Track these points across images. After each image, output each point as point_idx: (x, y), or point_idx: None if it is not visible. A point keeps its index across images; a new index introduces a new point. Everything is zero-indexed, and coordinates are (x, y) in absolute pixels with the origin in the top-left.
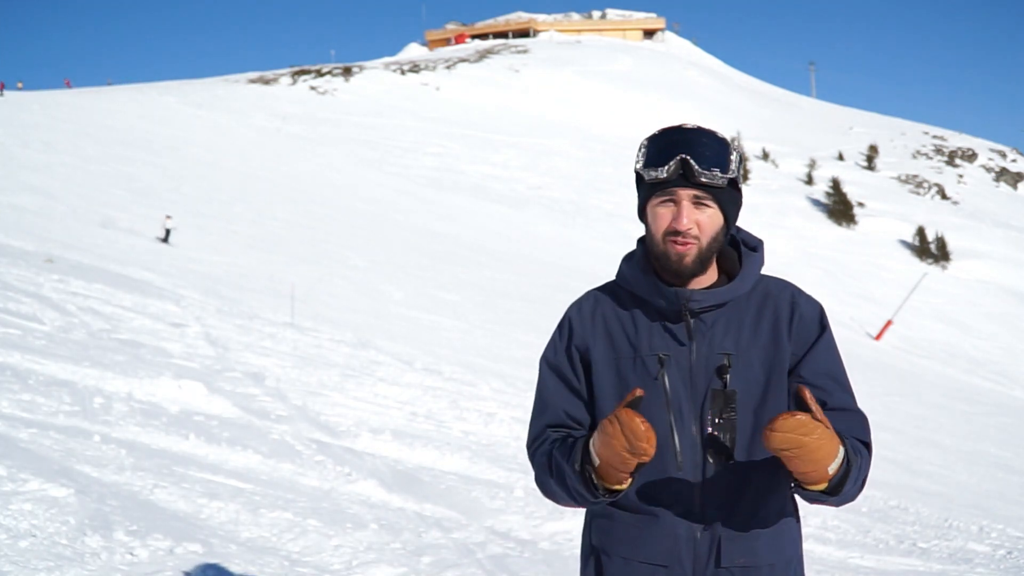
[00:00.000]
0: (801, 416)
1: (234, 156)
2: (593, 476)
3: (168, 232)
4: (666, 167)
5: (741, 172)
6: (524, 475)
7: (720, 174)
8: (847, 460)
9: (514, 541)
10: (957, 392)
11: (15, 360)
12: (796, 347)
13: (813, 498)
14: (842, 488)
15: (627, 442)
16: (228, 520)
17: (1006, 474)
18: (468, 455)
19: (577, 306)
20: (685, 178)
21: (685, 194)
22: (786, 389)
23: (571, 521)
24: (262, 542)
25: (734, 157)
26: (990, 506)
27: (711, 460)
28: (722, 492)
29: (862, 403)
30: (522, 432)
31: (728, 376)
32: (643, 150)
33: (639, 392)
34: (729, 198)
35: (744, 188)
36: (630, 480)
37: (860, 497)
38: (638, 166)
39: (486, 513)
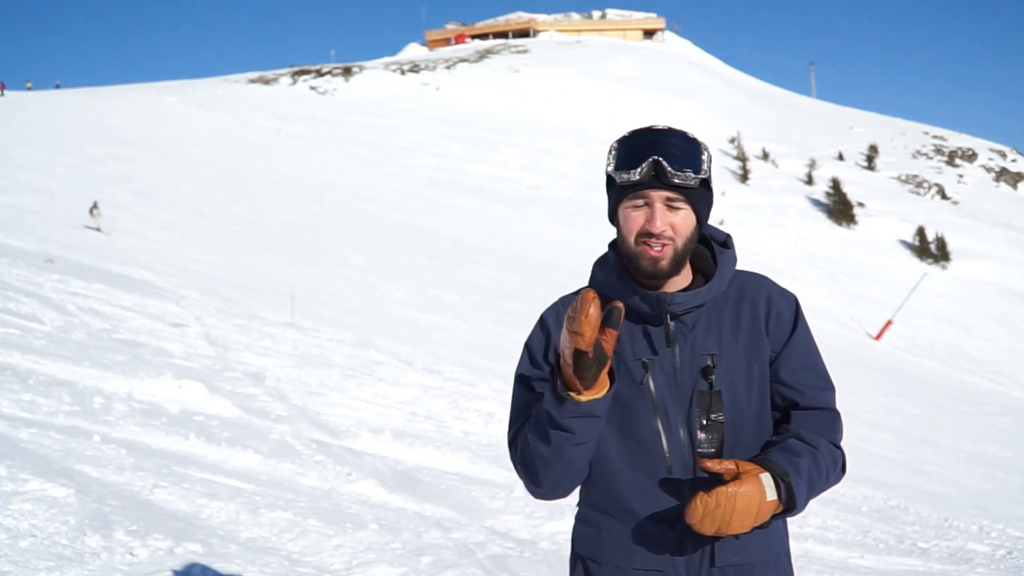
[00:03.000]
0: (701, 498)
1: (234, 156)
2: (560, 385)
3: None
4: (638, 169)
5: (712, 171)
6: None
7: (692, 175)
8: (780, 479)
9: (514, 541)
10: (957, 392)
11: (15, 360)
12: (774, 344)
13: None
14: (796, 501)
15: (568, 321)
16: (228, 520)
17: (1006, 474)
18: (468, 455)
19: (554, 311)
20: (658, 179)
21: (657, 196)
22: (769, 385)
23: (571, 521)
24: (262, 542)
25: (705, 157)
26: (990, 506)
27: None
28: None
29: (863, 404)
30: None
31: (713, 377)
32: (614, 152)
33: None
34: (701, 198)
35: (744, 188)
36: (597, 391)
37: (860, 497)
38: (609, 169)
39: (486, 513)
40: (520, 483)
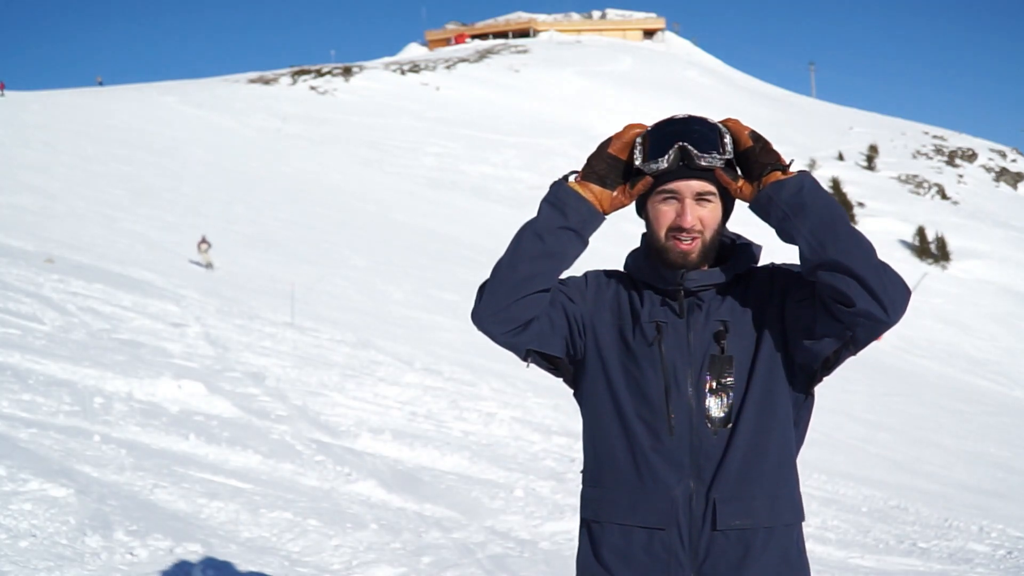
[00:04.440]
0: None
1: (234, 156)
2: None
3: None
4: (665, 157)
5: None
6: (524, 475)
7: (718, 156)
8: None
9: (514, 541)
10: (957, 392)
11: (15, 360)
12: (785, 285)
13: (793, 199)
14: (812, 181)
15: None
16: (228, 520)
17: (1006, 474)
18: (468, 455)
19: (593, 272)
20: (687, 166)
21: (687, 191)
22: (780, 354)
23: (571, 521)
24: (262, 542)
25: (728, 140)
26: (990, 506)
27: (709, 425)
28: (717, 455)
29: (863, 403)
30: (522, 431)
31: (725, 342)
32: (639, 147)
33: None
34: (726, 191)
35: None
36: (587, 191)
37: (860, 497)
38: (637, 162)
39: (486, 513)
40: (520, 484)
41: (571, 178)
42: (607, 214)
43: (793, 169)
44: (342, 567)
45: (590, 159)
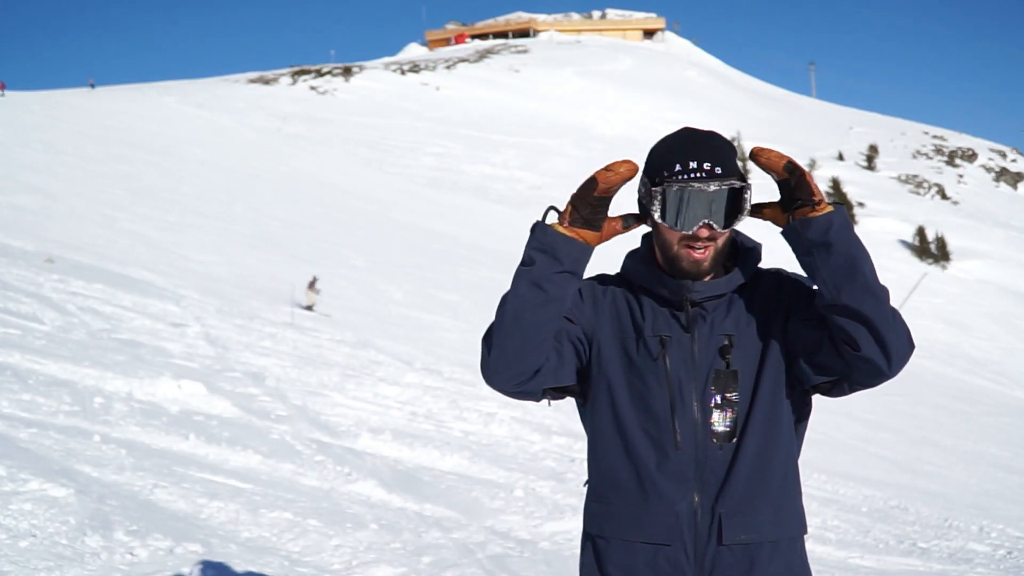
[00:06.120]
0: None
1: (234, 156)
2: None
3: None
4: (693, 228)
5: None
6: (524, 475)
7: (740, 219)
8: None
9: (514, 541)
10: (957, 392)
11: (15, 360)
12: (792, 300)
13: (818, 238)
14: (842, 221)
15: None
16: (228, 520)
17: (1006, 474)
18: (468, 455)
19: (586, 283)
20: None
21: None
22: (784, 367)
23: (571, 521)
24: (262, 542)
25: (748, 202)
26: (990, 506)
27: (714, 439)
28: (723, 470)
29: (863, 403)
30: (522, 431)
31: (730, 356)
32: (657, 201)
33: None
34: None
35: None
36: (573, 232)
37: (860, 497)
38: (656, 215)
39: (486, 513)
40: (520, 484)
41: (550, 215)
42: (596, 246)
43: (826, 203)
44: (342, 567)
45: (575, 201)
